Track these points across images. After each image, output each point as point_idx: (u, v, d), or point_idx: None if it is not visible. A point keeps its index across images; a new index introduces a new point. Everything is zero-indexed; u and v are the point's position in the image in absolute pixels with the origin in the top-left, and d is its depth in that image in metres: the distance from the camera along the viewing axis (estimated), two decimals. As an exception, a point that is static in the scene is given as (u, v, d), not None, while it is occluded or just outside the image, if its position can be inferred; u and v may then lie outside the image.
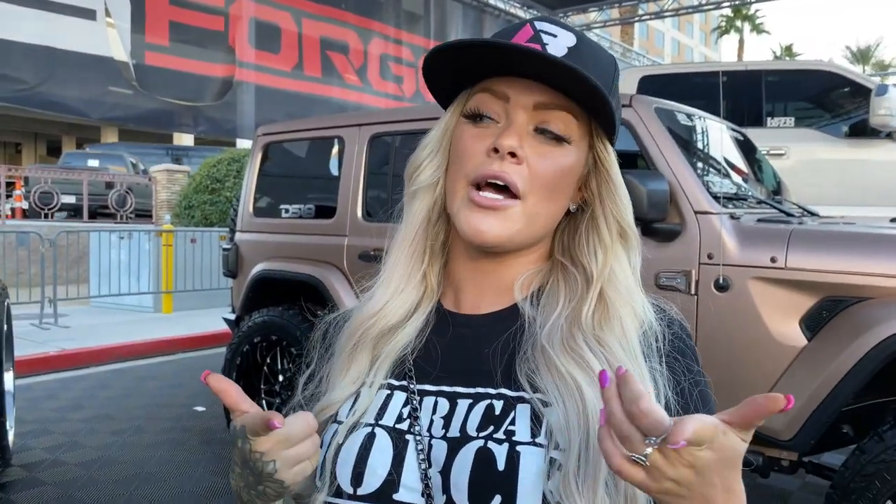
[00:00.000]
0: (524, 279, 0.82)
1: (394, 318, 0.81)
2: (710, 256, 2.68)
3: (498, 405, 0.73)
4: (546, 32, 0.76)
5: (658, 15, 12.16)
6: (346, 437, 0.77)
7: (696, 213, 2.73)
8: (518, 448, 0.70)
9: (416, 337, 0.82)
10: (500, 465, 0.69)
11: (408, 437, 0.75)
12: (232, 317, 4.28)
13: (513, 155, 0.72)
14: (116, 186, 14.21)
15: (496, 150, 0.73)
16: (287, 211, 4.04)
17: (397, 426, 0.76)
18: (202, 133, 7.32)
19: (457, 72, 0.77)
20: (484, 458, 0.70)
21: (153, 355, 6.94)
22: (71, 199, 13.77)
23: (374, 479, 0.74)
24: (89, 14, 5.56)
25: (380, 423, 0.77)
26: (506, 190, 0.74)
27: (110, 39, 5.69)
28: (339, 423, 0.79)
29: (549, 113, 0.74)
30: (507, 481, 0.68)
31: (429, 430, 0.75)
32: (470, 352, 0.79)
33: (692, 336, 0.82)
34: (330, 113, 6.43)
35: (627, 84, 6.19)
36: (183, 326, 7.96)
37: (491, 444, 0.71)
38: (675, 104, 3.23)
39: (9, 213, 12.93)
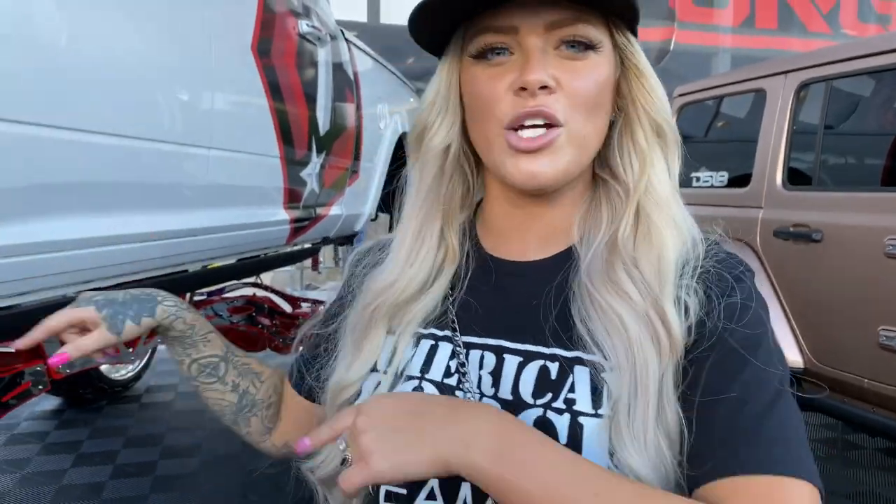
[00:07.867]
0: (581, 214, 0.72)
1: (411, 286, 0.73)
2: None
3: (553, 368, 0.66)
4: None
5: None
6: (392, 389, 0.71)
7: None
8: (580, 420, 0.62)
9: (454, 287, 0.75)
10: (563, 440, 0.61)
11: (457, 394, 0.68)
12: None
13: (544, 87, 0.63)
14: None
15: (523, 88, 0.64)
16: (698, 179, 3.59)
17: (446, 381, 0.70)
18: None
19: (443, 20, 0.67)
20: (544, 432, 0.60)
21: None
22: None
23: None
24: None
25: (426, 376, 0.71)
26: (545, 124, 0.64)
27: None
28: (378, 371, 0.73)
29: (566, 29, 0.65)
30: None
31: (478, 386, 0.68)
32: (516, 304, 0.71)
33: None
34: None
35: None
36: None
37: (551, 415, 0.63)
38: None
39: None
